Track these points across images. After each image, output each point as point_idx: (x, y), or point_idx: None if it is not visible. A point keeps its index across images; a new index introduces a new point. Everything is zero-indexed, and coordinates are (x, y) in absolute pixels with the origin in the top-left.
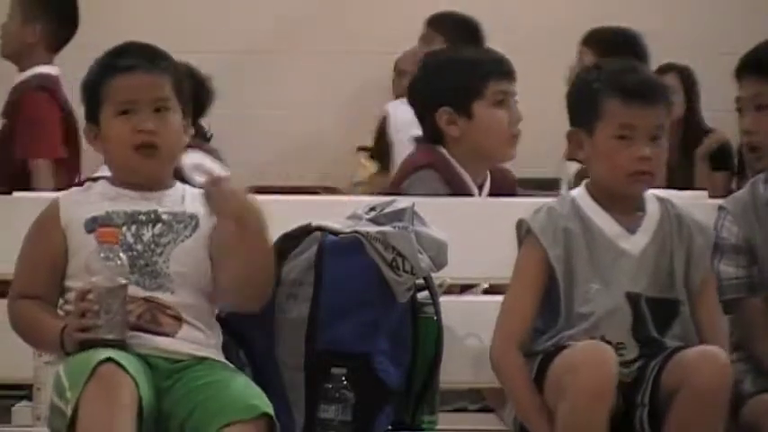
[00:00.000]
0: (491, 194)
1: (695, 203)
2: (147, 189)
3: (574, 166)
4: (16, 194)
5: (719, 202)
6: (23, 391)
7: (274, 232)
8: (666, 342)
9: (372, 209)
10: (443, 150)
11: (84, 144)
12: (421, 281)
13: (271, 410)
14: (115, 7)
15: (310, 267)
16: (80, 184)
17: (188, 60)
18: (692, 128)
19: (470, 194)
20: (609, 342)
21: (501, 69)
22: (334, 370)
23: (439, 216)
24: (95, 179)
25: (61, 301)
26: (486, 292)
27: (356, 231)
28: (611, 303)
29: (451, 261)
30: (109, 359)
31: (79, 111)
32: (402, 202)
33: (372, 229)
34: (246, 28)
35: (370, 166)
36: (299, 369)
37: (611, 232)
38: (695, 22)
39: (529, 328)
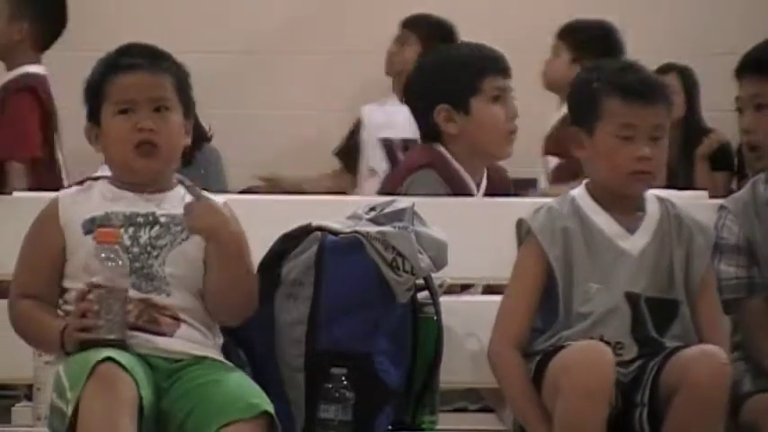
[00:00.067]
0: (487, 193)
1: (695, 203)
2: (147, 190)
3: (553, 161)
4: (16, 194)
5: (720, 201)
6: (16, 390)
7: (274, 232)
8: (666, 342)
9: (372, 209)
10: (442, 149)
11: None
12: (421, 281)
13: (271, 409)
14: (115, 7)
15: (310, 267)
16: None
17: (188, 60)
18: (692, 128)
19: (470, 192)
20: (608, 342)
21: (497, 65)
22: (334, 370)
23: (439, 216)
24: (96, 178)
25: (60, 301)
26: (486, 289)
27: (356, 231)
28: (610, 303)
29: (451, 261)
30: (108, 358)
31: (69, 111)
32: (402, 202)
33: (372, 229)
34: (246, 28)
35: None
36: (299, 369)
37: (611, 232)
38: (695, 22)
39: (527, 328)
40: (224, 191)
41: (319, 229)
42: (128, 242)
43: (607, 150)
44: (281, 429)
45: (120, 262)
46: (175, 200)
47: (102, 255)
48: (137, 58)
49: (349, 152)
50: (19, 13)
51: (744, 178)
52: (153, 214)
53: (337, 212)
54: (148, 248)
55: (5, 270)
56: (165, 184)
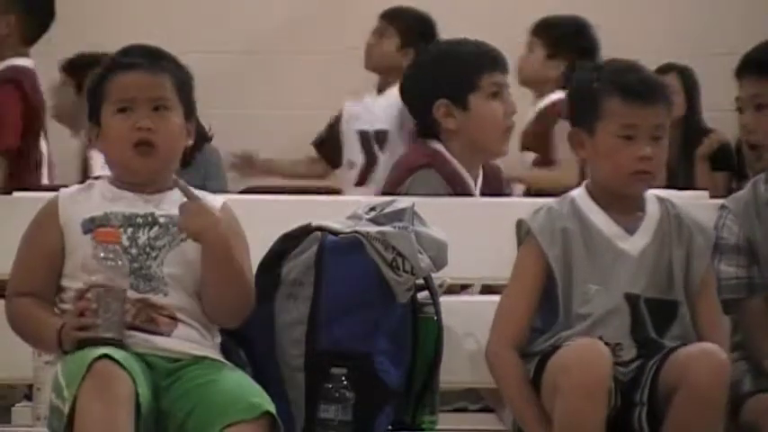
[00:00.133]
0: (483, 191)
1: (695, 203)
2: (147, 191)
3: (530, 156)
4: (16, 194)
5: (720, 201)
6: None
7: (274, 232)
8: (665, 343)
9: (372, 209)
10: (439, 146)
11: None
12: (421, 281)
13: (272, 409)
14: (116, 7)
15: (310, 267)
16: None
17: (188, 60)
18: (692, 128)
19: (469, 190)
20: (607, 343)
21: (495, 61)
22: (334, 370)
23: (439, 216)
24: (96, 178)
25: (57, 300)
26: (484, 289)
27: (356, 231)
28: (609, 304)
29: (451, 261)
30: (105, 355)
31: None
32: (402, 202)
33: (372, 229)
34: (246, 28)
35: None
36: (299, 369)
37: (610, 233)
38: (695, 22)
39: (525, 329)
40: (224, 191)
41: (319, 229)
42: (126, 243)
43: (608, 150)
44: (282, 430)
45: (119, 262)
46: (174, 200)
47: (102, 254)
48: (137, 57)
49: (325, 143)
50: (5, 7)
51: (744, 178)
52: (152, 215)
53: (337, 212)
54: (147, 249)
55: (6, 270)
56: (164, 185)
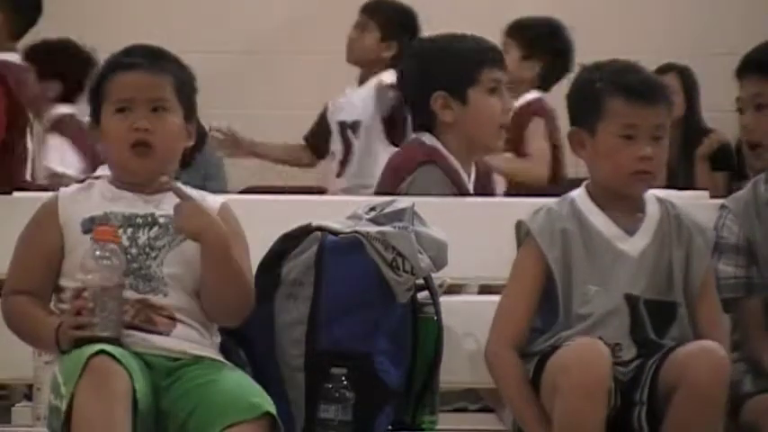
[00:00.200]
0: (474, 187)
1: (696, 203)
2: (146, 191)
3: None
4: (16, 194)
5: (720, 201)
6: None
7: (274, 232)
8: (664, 344)
9: (372, 209)
10: (435, 141)
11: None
12: (421, 281)
13: (273, 409)
14: (116, 7)
15: (310, 267)
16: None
17: (188, 60)
18: (692, 128)
19: (465, 184)
20: (607, 344)
21: (494, 57)
22: (334, 370)
23: (439, 216)
24: (96, 177)
25: (54, 299)
26: (482, 288)
27: (356, 231)
28: (609, 305)
29: (451, 261)
30: (102, 351)
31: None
32: (402, 202)
33: (372, 229)
34: (246, 28)
35: None
36: (299, 369)
37: (610, 234)
38: (695, 22)
39: (525, 329)
40: (224, 191)
41: (319, 229)
42: (126, 243)
43: (609, 150)
44: (282, 430)
45: (115, 260)
46: (174, 200)
47: (98, 252)
48: (138, 57)
49: (314, 134)
50: None
51: (744, 178)
52: (152, 215)
53: (337, 212)
54: (147, 249)
55: (5, 270)
56: (164, 185)
